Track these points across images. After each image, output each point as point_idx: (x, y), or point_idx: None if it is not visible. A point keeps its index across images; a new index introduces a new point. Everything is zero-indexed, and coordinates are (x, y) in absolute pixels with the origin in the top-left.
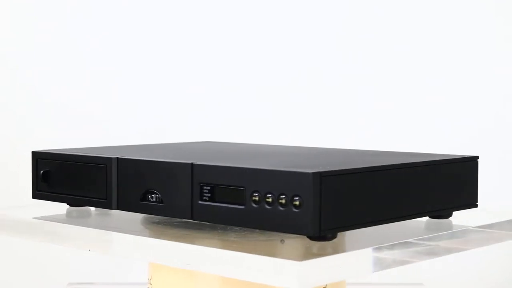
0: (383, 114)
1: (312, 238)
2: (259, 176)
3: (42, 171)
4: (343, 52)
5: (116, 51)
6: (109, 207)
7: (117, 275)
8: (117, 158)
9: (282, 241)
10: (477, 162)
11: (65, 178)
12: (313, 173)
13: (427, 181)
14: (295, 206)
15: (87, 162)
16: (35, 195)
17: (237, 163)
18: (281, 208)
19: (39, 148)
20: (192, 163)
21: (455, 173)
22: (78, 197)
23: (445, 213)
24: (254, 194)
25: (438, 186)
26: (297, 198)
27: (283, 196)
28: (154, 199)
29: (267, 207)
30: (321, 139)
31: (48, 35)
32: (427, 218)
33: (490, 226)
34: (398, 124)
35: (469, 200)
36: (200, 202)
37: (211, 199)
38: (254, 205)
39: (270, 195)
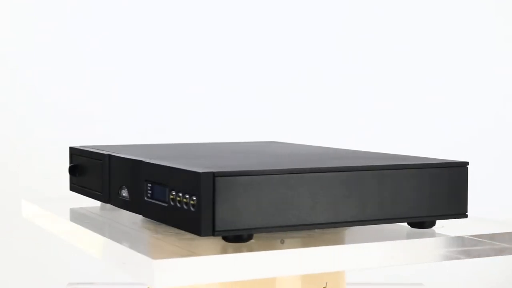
0: (382, 114)
1: (226, 239)
2: (173, 175)
3: (70, 165)
4: (343, 52)
5: (116, 52)
6: (104, 200)
7: (117, 275)
8: (109, 155)
9: (282, 241)
10: (466, 169)
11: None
12: (203, 173)
13: (391, 186)
14: (192, 205)
15: (87, 156)
16: (71, 188)
17: (166, 162)
18: (184, 207)
19: (38, 148)
20: (141, 161)
21: (437, 179)
22: (86, 189)
23: (426, 222)
24: (172, 192)
25: (411, 192)
26: (193, 197)
27: (187, 196)
28: (125, 194)
29: (178, 205)
30: (320, 139)
31: (48, 35)
32: (408, 227)
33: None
34: (397, 124)
35: (456, 209)
36: (145, 198)
37: (151, 196)
38: (171, 203)
39: (179, 194)
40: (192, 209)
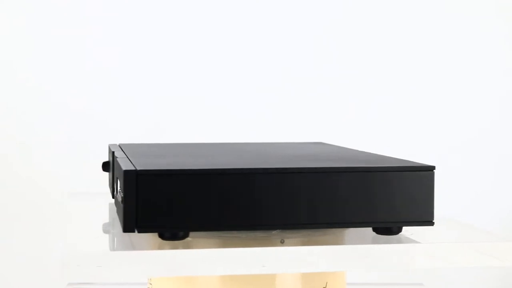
0: (381, 114)
1: (162, 237)
2: (119, 171)
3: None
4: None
5: (116, 52)
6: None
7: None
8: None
9: (282, 241)
10: (432, 173)
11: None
12: (127, 170)
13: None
14: (121, 201)
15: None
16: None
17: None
18: (121, 204)
19: (39, 148)
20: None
21: (400, 183)
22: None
23: (393, 228)
24: (118, 189)
25: (369, 197)
26: (122, 195)
27: (121, 192)
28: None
29: (119, 201)
30: (321, 139)
31: (48, 35)
32: (373, 232)
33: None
34: (397, 123)
35: (421, 216)
36: (115, 194)
37: (117, 193)
38: (118, 200)
39: (120, 190)
40: (121, 205)
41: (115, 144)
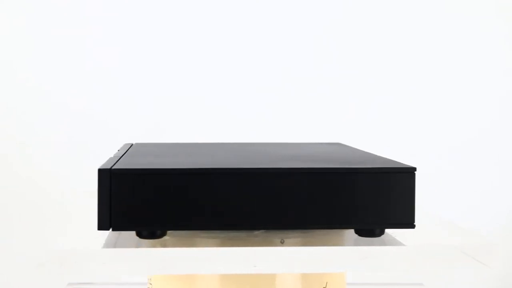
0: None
1: (139, 235)
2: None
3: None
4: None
5: (116, 52)
6: None
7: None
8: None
9: (282, 241)
10: (413, 175)
11: None
12: (101, 169)
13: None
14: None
15: None
16: None
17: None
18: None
19: (39, 148)
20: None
21: (379, 185)
22: None
23: (376, 230)
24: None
25: (349, 198)
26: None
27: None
28: None
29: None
30: (321, 139)
31: (48, 35)
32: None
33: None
34: (397, 123)
35: (402, 219)
36: None
37: None
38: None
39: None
40: (97, 203)
41: (129, 143)
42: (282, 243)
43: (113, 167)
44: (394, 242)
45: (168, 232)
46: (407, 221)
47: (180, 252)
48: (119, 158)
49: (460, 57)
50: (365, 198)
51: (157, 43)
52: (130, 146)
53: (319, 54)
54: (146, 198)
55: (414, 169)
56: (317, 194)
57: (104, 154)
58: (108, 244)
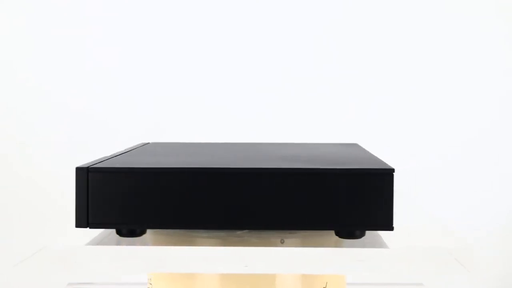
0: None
1: (119, 233)
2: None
3: None
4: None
5: (116, 52)
6: None
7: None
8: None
9: (282, 241)
10: (392, 176)
11: None
12: (79, 168)
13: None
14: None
15: None
16: None
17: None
18: None
19: (39, 148)
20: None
21: (357, 187)
22: None
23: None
24: None
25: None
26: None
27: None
28: None
29: None
30: (321, 139)
31: (48, 35)
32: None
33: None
34: (397, 123)
35: (381, 221)
36: None
37: None
38: None
39: None
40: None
41: (145, 142)
42: (282, 243)
43: (91, 166)
44: (379, 244)
45: (168, 232)
46: (386, 223)
47: (180, 251)
48: (109, 158)
49: (460, 57)
50: (343, 199)
51: (157, 43)
52: (143, 145)
53: (319, 54)
54: (122, 197)
55: (393, 170)
56: (297, 195)
57: (104, 154)
58: (108, 244)
